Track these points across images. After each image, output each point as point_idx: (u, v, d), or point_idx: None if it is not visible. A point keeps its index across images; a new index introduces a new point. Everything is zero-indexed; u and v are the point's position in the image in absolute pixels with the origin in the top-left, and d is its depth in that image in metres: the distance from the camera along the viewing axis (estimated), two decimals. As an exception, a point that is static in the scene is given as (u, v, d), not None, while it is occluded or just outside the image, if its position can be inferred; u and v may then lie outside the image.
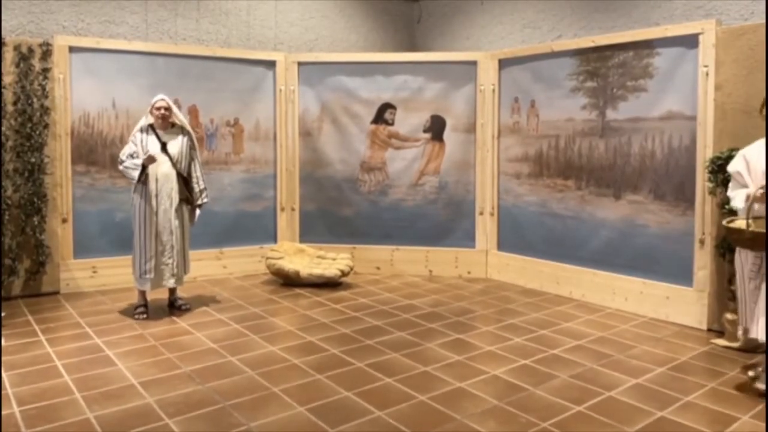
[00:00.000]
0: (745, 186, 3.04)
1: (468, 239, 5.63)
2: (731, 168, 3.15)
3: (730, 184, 3.18)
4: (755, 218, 2.87)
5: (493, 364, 3.48)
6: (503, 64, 5.50)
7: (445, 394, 3.07)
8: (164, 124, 4.28)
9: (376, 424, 2.75)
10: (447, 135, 5.65)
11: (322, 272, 5.11)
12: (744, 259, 3.08)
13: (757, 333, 3.01)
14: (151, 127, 4.26)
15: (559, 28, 6.03)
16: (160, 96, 4.28)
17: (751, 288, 3.05)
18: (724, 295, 3.82)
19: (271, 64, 5.68)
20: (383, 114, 5.70)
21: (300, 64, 5.74)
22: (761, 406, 2.92)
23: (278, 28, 6.62)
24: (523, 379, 3.25)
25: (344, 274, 5.15)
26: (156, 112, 4.22)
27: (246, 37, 6.41)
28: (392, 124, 5.70)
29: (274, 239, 5.70)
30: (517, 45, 6.14)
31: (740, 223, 2.90)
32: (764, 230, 2.79)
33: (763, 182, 2.91)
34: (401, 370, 3.38)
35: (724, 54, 3.99)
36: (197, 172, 4.41)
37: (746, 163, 3.05)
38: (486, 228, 5.58)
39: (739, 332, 3.33)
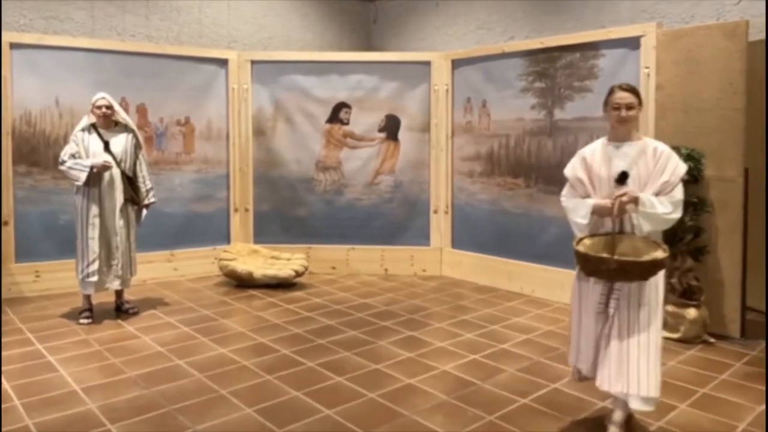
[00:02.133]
0: (586, 195, 2.59)
1: (423, 237, 5.68)
2: (569, 172, 2.66)
3: (565, 191, 2.67)
4: (597, 235, 2.47)
5: (443, 360, 3.51)
6: (456, 64, 5.56)
7: (395, 391, 3.08)
8: (106, 123, 4.16)
9: (324, 423, 2.75)
10: (402, 134, 5.69)
11: (276, 273, 5.06)
12: (589, 288, 2.57)
13: (600, 382, 2.53)
14: (94, 127, 4.15)
15: (512, 30, 6.15)
16: (101, 94, 4.16)
17: (589, 323, 2.56)
18: (665, 288, 3.94)
19: (223, 63, 5.60)
20: (338, 113, 5.69)
21: (253, 62, 5.67)
22: (699, 395, 3.03)
23: (231, 26, 6.54)
24: (472, 374, 3.29)
25: (299, 274, 5.12)
26: (97, 111, 4.10)
27: (198, 34, 6.30)
28: (347, 123, 5.70)
29: (228, 240, 5.62)
30: (471, 46, 6.23)
31: (590, 244, 2.43)
32: (638, 258, 2.33)
33: (610, 190, 2.48)
34: (352, 368, 3.38)
35: (664, 55, 4.14)
36: (143, 172, 4.31)
37: (587, 168, 2.59)
38: (440, 226, 5.64)
39: (572, 373, 2.81)
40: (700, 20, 4.71)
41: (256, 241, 5.62)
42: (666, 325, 3.89)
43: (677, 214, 2.46)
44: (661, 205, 2.43)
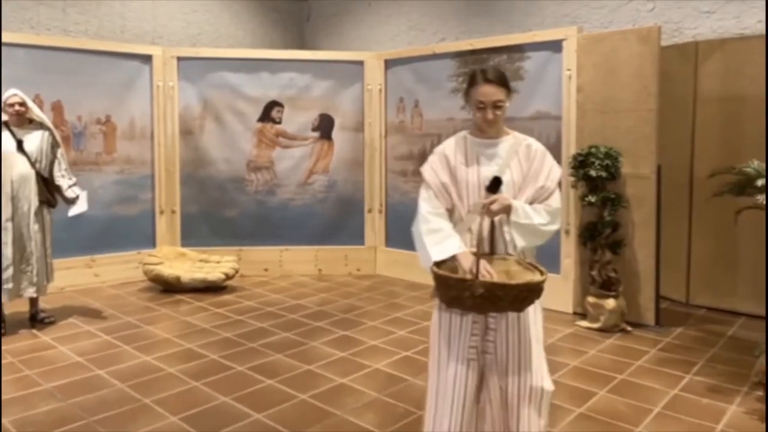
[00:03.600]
0: (449, 203, 2.05)
1: (357, 237, 5.67)
2: (429, 176, 2.07)
3: (428, 207, 2.03)
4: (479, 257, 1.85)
5: (376, 358, 3.52)
6: (389, 64, 5.60)
7: (327, 391, 3.06)
8: (19, 121, 3.91)
9: (254, 427, 2.70)
10: (335, 134, 5.66)
11: (205, 276, 4.91)
12: (452, 326, 2.00)
13: None
14: (6, 125, 3.89)
15: (443, 32, 6.26)
16: (13, 91, 3.91)
17: (457, 375, 1.97)
18: (586, 280, 4.13)
19: (147, 59, 5.37)
20: (270, 112, 5.59)
21: (179, 59, 5.48)
22: (617, 381, 3.18)
23: (156, 21, 6.30)
24: (404, 371, 3.32)
25: (229, 277, 4.99)
26: (9, 109, 3.85)
27: (120, 29, 6.03)
28: (280, 122, 5.61)
29: (153, 244, 5.39)
30: (404, 46, 6.29)
31: (454, 266, 1.93)
32: (526, 280, 1.85)
33: (479, 199, 1.99)
34: (284, 370, 3.33)
35: (584, 59, 4.32)
36: (62, 171, 4.09)
37: (450, 170, 2.05)
38: (375, 225, 5.65)
39: None
40: (618, 26, 4.96)
41: (183, 244, 5.42)
42: (587, 316, 4.07)
43: (555, 225, 2.03)
44: (537, 214, 1.98)
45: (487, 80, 1.97)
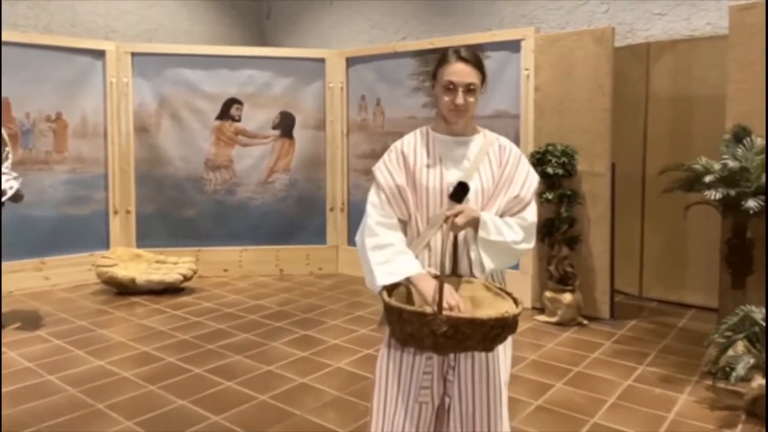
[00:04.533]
0: (405, 213, 1.72)
1: (319, 236, 5.63)
2: (382, 178, 1.74)
3: (374, 201, 1.74)
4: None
5: (337, 356, 3.50)
6: (350, 62, 5.57)
7: (287, 391, 3.03)
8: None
9: (211, 430, 2.65)
10: (297, 132, 5.60)
11: (162, 278, 4.78)
12: (403, 363, 1.67)
13: None
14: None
15: (404, 30, 6.27)
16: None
17: (402, 424, 1.65)
18: (544, 275, 4.21)
19: (100, 54, 5.20)
20: (229, 110, 5.49)
21: (134, 54, 5.33)
22: (573, 373, 3.25)
23: (110, 15, 6.11)
24: (365, 368, 3.30)
25: (187, 278, 4.88)
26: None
27: (71, 23, 5.82)
28: (239, 120, 5.51)
29: (107, 245, 5.21)
30: (366, 45, 6.27)
31: (407, 293, 1.66)
32: (479, 313, 1.55)
33: (441, 210, 1.67)
34: (243, 371, 3.28)
35: (542, 59, 4.39)
36: (2, 168, 3.92)
37: (408, 172, 1.73)
38: (337, 224, 5.62)
39: None
40: (574, 27, 5.06)
41: (139, 245, 5.27)
42: (545, 310, 4.14)
43: (528, 244, 1.70)
44: (509, 230, 1.66)
45: (460, 58, 1.67)
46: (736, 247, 3.28)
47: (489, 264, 1.65)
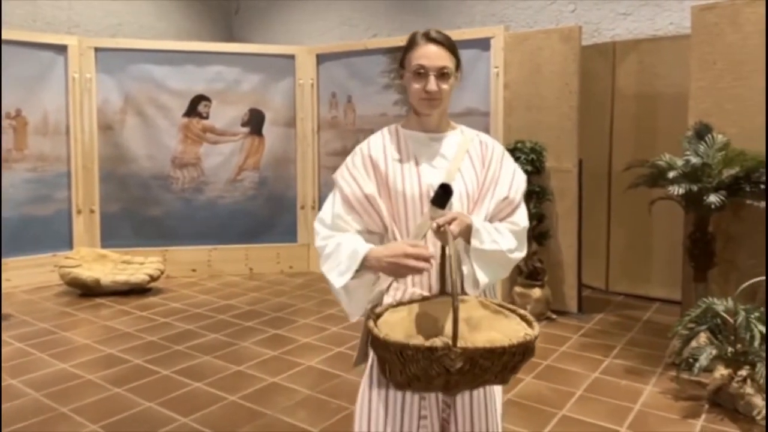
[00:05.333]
0: (379, 224, 1.48)
1: (289, 234, 5.58)
2: (347, 187, 1.49)
3: (323, 217, 1.51)
4: (403, 304, 1.41)
5: (308, 355, 3.47)
6: (321, 59, 5.53)
7: (258, 391, 2.99)
8: None
9: (180, 431, 2.60)
10: (266, 129, 5.54)
11: (128, 278, 4.68)
12: (396, 402, 1.42)
13: None
14: None
15: (375, 27, 6.26)
16: None
17: None
18: (513, 270, 4.23)
19: (61, 49, 5.05)
20: (197, 106, 5.40)
21: (98, 49, 5.19)
22: (542, 367, 3.29)
23: (72, 9, 5.93)
24: (337, 367, 3.29)
25: (153, 279, 4.77)
26: None
27: (31, 17, 5.64)
28: (207, 117, 5.42)
29: (70, 246, 5.06)
30: (336, 41, 6.24)
31: (395, 322, 1.34)
32: (493, 341, 1.22)
33: (423, 217, 1.44)
34: (212, 372, 3.23)
35: (511, 57, 4.43)
36: None
37: (378, 178, 1.50)
38: (307, 222, 5.57)
39: None
40: (542, 25, 5.13)
41: (103, 246, 5.14)
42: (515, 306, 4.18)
43: (522, 253, 1.51)
44: (503, 237, 1.46)
45: (431, 39, 1.45)
46: (699, 241, 3.36)
47: (483, 278, 1.42)
